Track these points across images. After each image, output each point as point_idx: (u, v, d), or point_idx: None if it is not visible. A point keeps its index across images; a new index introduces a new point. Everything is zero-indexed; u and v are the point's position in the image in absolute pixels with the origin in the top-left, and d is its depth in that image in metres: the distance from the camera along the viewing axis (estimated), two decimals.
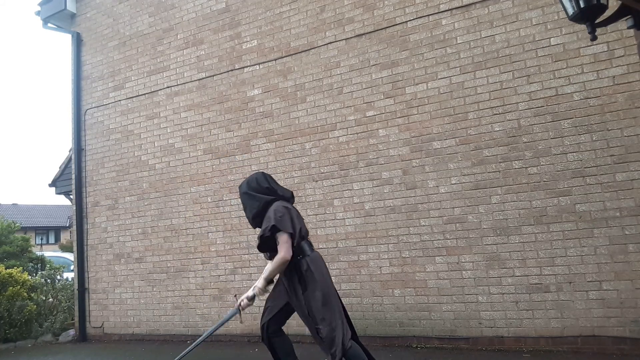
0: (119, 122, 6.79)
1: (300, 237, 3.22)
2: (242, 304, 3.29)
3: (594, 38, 2.87)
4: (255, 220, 3.33)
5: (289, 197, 3.44)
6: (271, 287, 3.35)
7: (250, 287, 3.27)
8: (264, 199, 3.28)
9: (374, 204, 5.02)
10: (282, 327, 3.42)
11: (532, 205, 4.36)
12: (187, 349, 3.52)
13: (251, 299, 3.29)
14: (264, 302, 3.42)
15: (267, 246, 3.24)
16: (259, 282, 3.22)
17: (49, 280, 7.83)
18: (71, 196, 7.69)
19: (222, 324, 3.51)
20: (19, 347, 6.54)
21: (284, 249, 3.10)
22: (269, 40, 5.78)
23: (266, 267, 3.25)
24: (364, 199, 5.07)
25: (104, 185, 6.83)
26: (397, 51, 5.06)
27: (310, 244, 3.30)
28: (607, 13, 2.87)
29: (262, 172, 3.50)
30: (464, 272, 4.56)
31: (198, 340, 3.46)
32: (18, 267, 8.01)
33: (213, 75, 6.11)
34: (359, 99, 5.19)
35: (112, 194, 6.74)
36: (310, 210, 5.33)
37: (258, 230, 3.29)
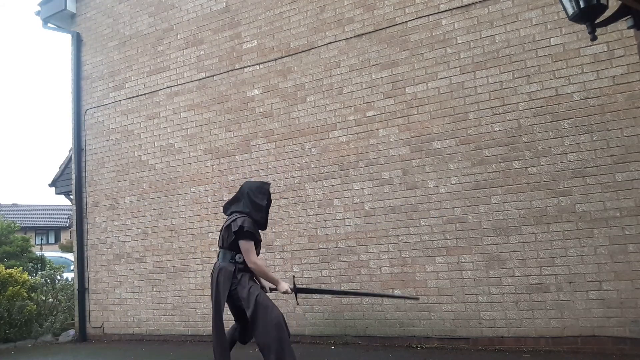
0: (119, 122, 6.79)
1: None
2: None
3: (594, 38, 2.87)
4: None
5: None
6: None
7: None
8: None
9: (374, 204, 5.02)
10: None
11: (532, 205, 4.35)
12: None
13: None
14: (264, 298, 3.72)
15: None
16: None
17: (49, 280, 7.83)
18: (71, 196, 7.69)
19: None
20: (19, 347, 6.55)
21: None
22: (269, 40, 5.78)
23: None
24: (364, 199, 5.07)
25: (104, 185, 6.82)
26: (397, 51, 5.06)
27: (220, 254, 3.81)
28: (607, 13, 2.87)
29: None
30: (464, 272, 4.56)
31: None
32: (18, 267, 8.02)
33: (213, 75, 6.11)
34: (359, 99, 5.19)
35: (112, 194, 6.74)
36: (310, 210, 5.33)
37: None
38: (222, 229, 3.85)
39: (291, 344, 3.55)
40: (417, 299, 4.53)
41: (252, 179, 5.55)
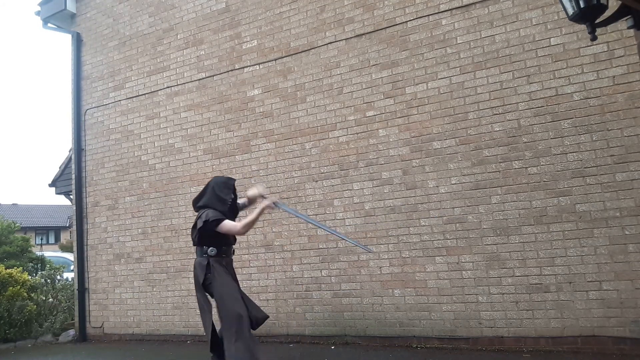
0: (119, 122, 6.79)
1: None
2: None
3: (594, 38, 2.88)
4: None
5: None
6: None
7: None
8: None
9: (374, 204, 5.02)
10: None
11: (532, 205, 4.35)
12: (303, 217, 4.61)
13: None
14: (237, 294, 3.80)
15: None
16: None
17: (49, 280, 7.83)
18: (71, 196, 7.69)
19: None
20: (19, 347, 6.55)
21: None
22: (269, 40, 5.78)
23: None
24: (364, 199, 5.07)
25: (104, 185, 6.83)
26: (397, 51, 5.06)
27: (196, 251, 3.92)
28: (607, 13, 2.87)
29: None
30: (464, 272, 4.56)
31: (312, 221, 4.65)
32: (18, 267, 8.03)
33: (213, 75, 6.11)
34: (359, 99, 5.19)
35: (112, 194, 6.74)
36: (310, 210, 5.33)
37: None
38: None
39: (254, 338, 3.68)
40: (372, 252, 4.78)
41: (252, 179, 5.57)
